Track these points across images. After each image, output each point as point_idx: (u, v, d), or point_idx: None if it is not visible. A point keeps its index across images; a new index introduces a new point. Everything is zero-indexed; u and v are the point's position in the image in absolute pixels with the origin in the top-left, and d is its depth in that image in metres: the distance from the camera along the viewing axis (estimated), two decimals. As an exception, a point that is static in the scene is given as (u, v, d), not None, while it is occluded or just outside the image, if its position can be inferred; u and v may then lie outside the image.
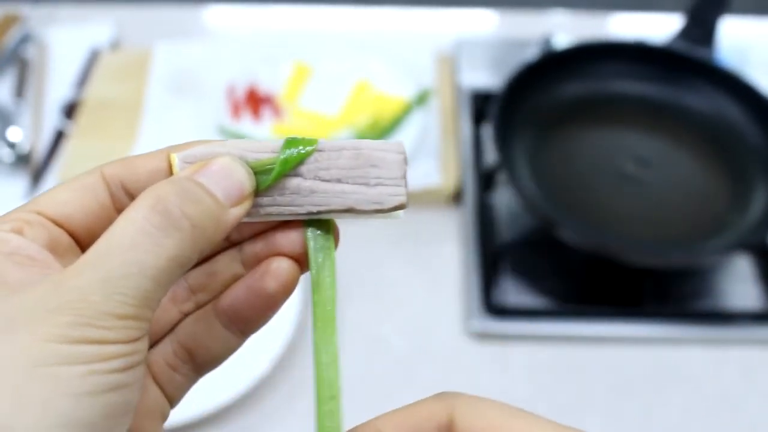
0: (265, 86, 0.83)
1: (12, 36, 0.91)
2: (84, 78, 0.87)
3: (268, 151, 0.24)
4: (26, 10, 0.96)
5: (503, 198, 0.75)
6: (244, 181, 0.23)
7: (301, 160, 0.24)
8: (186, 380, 0.26)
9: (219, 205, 0.22)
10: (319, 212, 0.25)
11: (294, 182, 0.24)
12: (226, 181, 0.23)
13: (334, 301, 0.25)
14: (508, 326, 0.66)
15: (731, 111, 0.77)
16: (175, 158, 0.24)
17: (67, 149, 0.78)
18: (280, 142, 0.24)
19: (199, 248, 0.21)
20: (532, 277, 0.69)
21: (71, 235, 0.24)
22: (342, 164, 0.24)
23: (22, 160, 0.77)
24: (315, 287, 0.25)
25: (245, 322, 0.25)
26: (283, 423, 0.60)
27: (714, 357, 0.65)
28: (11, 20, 0.93)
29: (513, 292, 0.68)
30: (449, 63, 0.90)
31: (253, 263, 0.25)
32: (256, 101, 0.81)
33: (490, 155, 0.78)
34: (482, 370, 0.65)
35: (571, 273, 0.71)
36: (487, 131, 0.80)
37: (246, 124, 0.79)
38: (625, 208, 0.71)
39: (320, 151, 0.24)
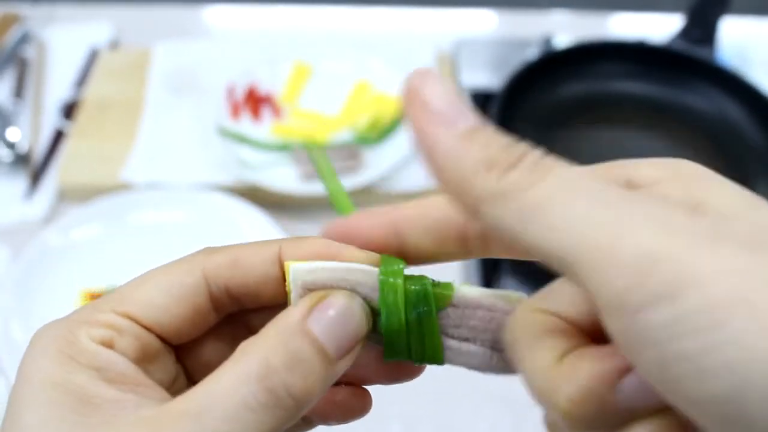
0: (265, 86, 0.83)
1: (11, 36, 0.91)
2: (83, 78, 0.87)
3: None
4: (25, 10, 0.95)
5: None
6: (360, 331, 0.22)
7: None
8: None
9: (327, 363, 0.21)
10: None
11: None
12: (342, 331, 0.21)
13: None
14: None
15: (731, 111, 0.76)
16: (290, 271, 0.22)
17: (66, 149, 0.78)
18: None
19: (297, 418, 0.21)
20: (532, 278, 0.69)
21: (160, 336, 0.23)
22: (473, 325, 0.23)
23: (21, 160, 0.77)
24: None
25: (317, 418, 0.25)
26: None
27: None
28: (10, 20, 0.93)
29: (513, 293, 0.68)
30: (449, 63, 0.89)
31: None
32: (255, 101, 0.81)
33: (491, 155, 0.78)
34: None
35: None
36: (487, 131, 0.80)
37: (246, 124, 0.79)
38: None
39: (454, 306, 0.22)
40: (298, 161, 0.74)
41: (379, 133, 0.78)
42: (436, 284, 0.22)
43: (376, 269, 0.22)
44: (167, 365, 0.23)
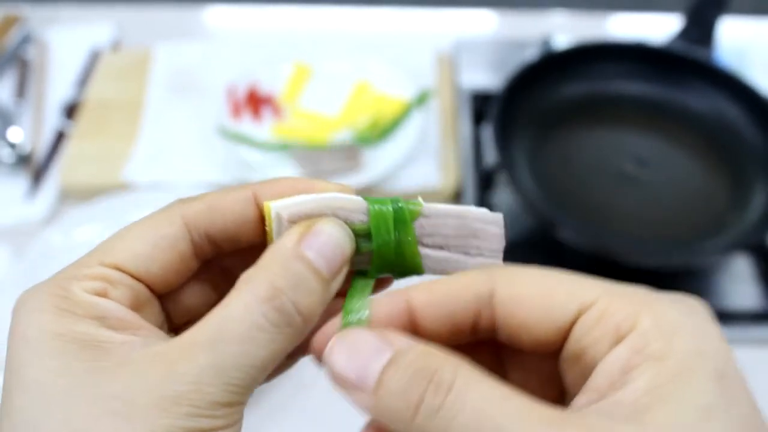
0: (265, 86, 0.83)
1: (13, 36, 0.91)
2: (84, 78, 0.88)
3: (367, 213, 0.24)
4: (27, 11, 0.96)
5: (503, 198, 0.75)
6: (347, 251, 0.23)
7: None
8: None
9: (325, 284, 0.22)
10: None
11: None
12: (332, 254, 0.23)
13: None
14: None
15: (730, 111, 0.77)
16: (272, 209, 0.23)
17: (67, 149, 0.79)
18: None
19: (302, 337, 0.22)
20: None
21: (148, 286, 0.23)
22: (446, 232, 0.25)
23: (23, 160, 0.78)
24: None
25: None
26: (283, 423, 0.60)
27: (713, 357, 0.65)
28: (12, 21, 0.93)
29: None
30: (449, 63, 0.90)
31: None
32: (256, 101, 0.81)
33: (490, 155, 0.78)
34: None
35: (570, 273, 0.71)
36: (487, 131, 0.80)
37: (246, 124, 0.80)
38: (625, 208, 0.71)
39: (426, 217, 0.25)
40: (299, 161, 0.74)
41: (379, 133, 0.78)
42: (407, 201, 0.25)
43: (355, 196, 0.24)
44: (156, 314, 0.24)
